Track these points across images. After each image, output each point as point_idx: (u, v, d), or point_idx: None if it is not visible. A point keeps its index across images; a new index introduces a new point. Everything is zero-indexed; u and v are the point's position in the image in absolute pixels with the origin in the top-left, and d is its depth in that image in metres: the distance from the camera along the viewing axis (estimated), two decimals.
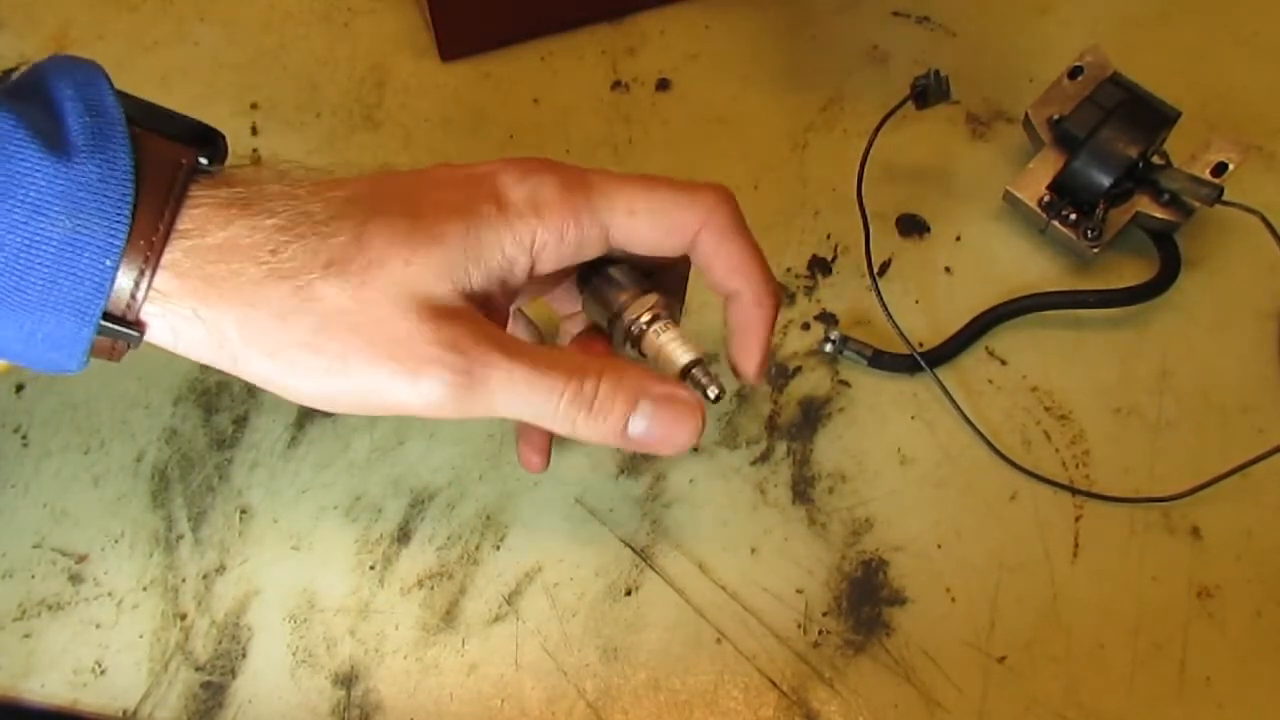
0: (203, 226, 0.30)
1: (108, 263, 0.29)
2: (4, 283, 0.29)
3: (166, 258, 0.30)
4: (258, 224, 0.31)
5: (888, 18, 0.54)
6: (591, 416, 0.33)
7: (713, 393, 0.34)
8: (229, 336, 0.31)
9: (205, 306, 0.31)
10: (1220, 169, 0.45)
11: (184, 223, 0.30)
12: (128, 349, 0.31)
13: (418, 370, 0.31)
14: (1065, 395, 0.45)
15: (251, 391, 0.46)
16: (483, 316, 0.33)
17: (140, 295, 0.30)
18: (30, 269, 0.29)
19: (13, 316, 0.29)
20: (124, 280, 0.29)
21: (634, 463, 0.44)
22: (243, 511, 0.43)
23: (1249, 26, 0.53)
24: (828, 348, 0.45)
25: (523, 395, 0.32)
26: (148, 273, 0.30)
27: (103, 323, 0.30)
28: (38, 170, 0.28)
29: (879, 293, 0.45)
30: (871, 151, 0.45)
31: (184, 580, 0.42)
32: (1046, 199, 0.46)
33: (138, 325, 0.30)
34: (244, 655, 0.41)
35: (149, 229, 0.30)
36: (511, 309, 0.39)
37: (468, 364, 0.32)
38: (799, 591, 0.41)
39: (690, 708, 0.40)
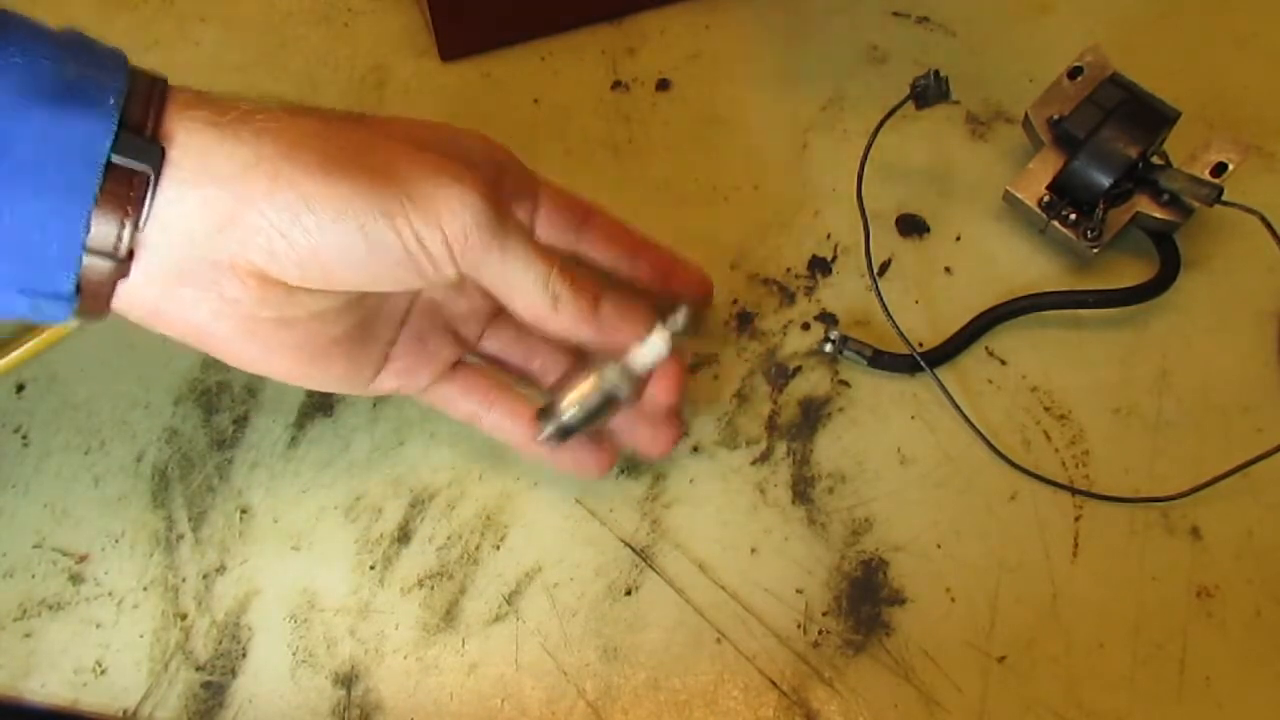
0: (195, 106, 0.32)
1: (116, 90, 0.30)
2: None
3: (173, 97, 0.31)
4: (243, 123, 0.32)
5: (888, 18, 0.54)
6: (574, 292, 0.36)
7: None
8: (264, 154, 0.31)
9: (231, 129, 0.31)
10: (1220, 169, 0.45)
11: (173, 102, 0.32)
12: (139, 221, 0.31)
13: (460, 176, 0.33)
14: (1065, 395, 0.45)
15: (252, 391, 0.46)
16: None
17: (153, 111, 0.31)
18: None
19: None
20: (134, 106, 0.30)
21: (634, 463, 0.44)
22: (243, 511, 0.43)
23: (1249, 26, 0.53)
24: (828, 348, 0.45)
25: (527, 256, 0.35)
26: (155, 97, 0.31)
27: (122, 134, 0.30)
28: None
29: (879, 293, 0.45)
30: (871, 151, 0.45)
31: (184, 580, 0.42)
32: (1046, 199, 0.46)
33: (156, 143, 0.30)
34: (244, 655, 0.41)
35: (146, 84, 0.31)
36: None
37: (502, 201, 0.35)
38: (799, 591, 0.42)
39: (690, 708, 0.40)
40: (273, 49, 0.55)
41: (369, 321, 0.38)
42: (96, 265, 0.31)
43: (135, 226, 0.31)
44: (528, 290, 0.36)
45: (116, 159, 0.30)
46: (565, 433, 0.40)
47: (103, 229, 0.30)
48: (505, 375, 0.43)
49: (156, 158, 0.30)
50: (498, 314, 0.43)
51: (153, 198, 0.31)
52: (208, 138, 0.31)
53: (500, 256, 0.35)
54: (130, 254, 0.31)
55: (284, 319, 0.34)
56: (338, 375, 0.38)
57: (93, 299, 0.32)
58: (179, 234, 0.32)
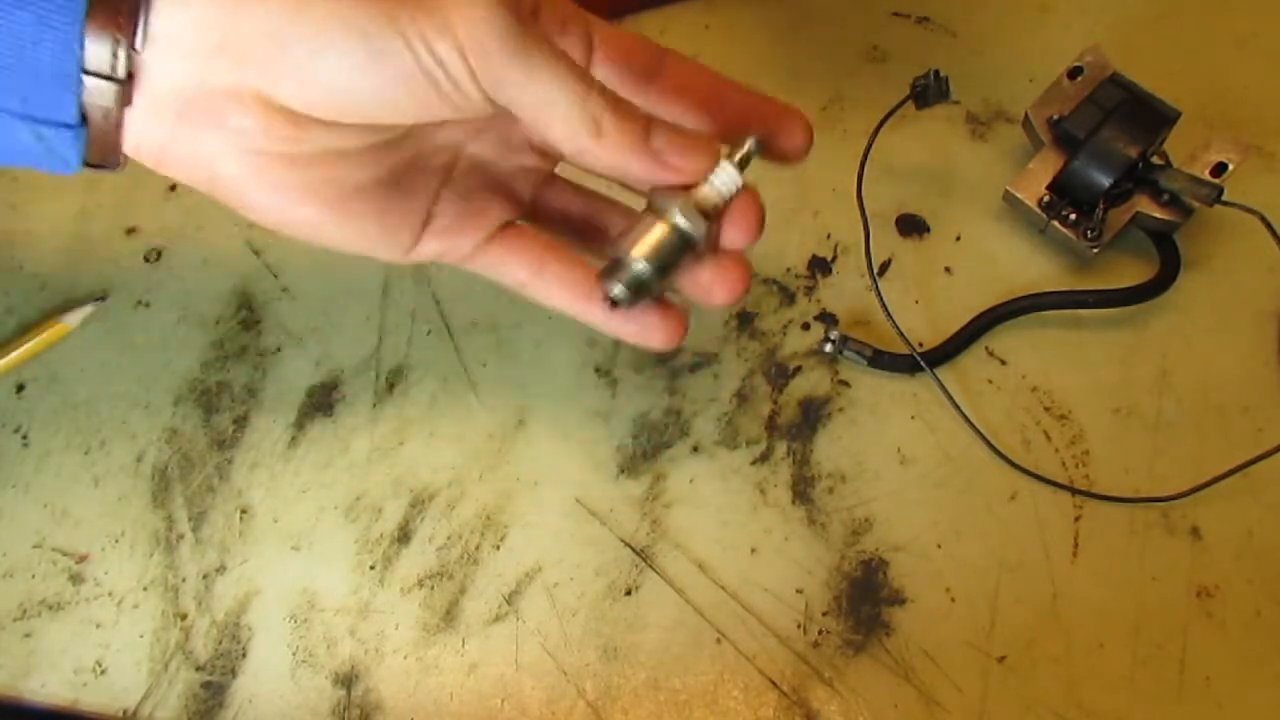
0: None
1: None
2: None
3: None
4: None
5: (888, 18, 0.54)
6: (617, 117, 0.32)
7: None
8: None
9: None
10: (1220, 169, 0.45)
11: None
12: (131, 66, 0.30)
13: None
14: (1065, 395, 0.45)
15: (252, 391, 0.46)
16: None
17: None
18: None
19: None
20: None
21: (634, 463, 0.44)
22: (243, 511, 0.43)
23: (1249, 26, 0.53)
24: (828, 348, 0.45)
25: (558, 71, 0.31)
26: None
27: None
28: None
29: (879, 293, 0.45)
30: (871, 151, 0.45)
31: (184, 580, 0.42)
32: (1046, 199, 0.46)
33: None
34: (244, 655, 0.41)
35: None
36: None
37: (524, 10, 0.31)
38: (799, 591, 0.42)
39: (690, 708, 0.40)
40: None
41: (404, 172, 0.35)
42: (97, 87, 0.30)
43: (130, 44, 0.29)
44: (563, 111, 0.31)
45: None
46: (638, 289, 0.34)
47: (97, 46, 0.29)
48: (561, 238, 0.38)
49: None
50: (552, 178, 0.39)
51: (147, 13, 0.29)
52: None
53: (526, 71, 0.30)
54: (130, 76, 0.30)
55: (296, 156, 0.32)
56: (371, 233, 0.34)
57: (100, 133, 0.31)
58: (176, 57, 0.30)
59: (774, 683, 0.40)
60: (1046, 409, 0.45)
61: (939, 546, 0.42)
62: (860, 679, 0.40)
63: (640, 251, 0.33)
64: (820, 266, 0.48)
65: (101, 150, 0.31)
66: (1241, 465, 0.41)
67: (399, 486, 0.44)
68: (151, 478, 0.44)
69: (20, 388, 0.46)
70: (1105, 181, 0.45)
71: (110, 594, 0.42)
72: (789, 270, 0.48)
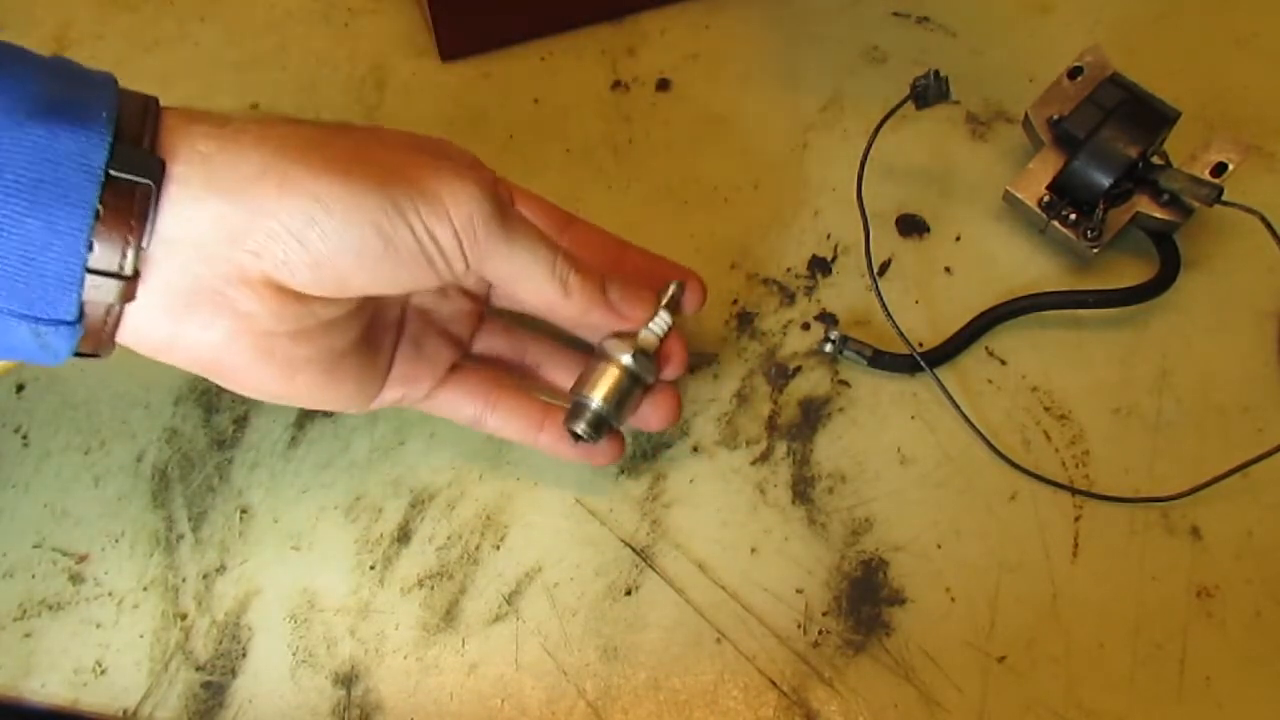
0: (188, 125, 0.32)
1: (105, 114, 0.30)
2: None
3: (168, 113, 0.32)
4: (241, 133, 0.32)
5: (888, 18, 0.54)
6: (581, 277, 0.37)
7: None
8: (269, 161, 0.31)
9: (231, 139, 0.31)
10: (1220, 169, 0.45)
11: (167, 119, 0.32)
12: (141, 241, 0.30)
13: (461, 173, 0.34)
14: (1065, 395, 0.45)
15: None
16: None
17: (149, 125, 0.31)
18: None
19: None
20: (129, 116, 0.30)
21: (634, 463, 0.44)
22: (243, 511, 0.43)
23: (1249, 26, 0.53)
24: (828, 348, 0.45)
25: (534, 242, 0.36)
26: (150, 113, 0.31)
27: (119, 147, 0.30)
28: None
29: (879, 293, 0.45)
30: (871, 151, 0.45)
31: (184, 580, 0.42)
32: (1046, 199, 0.46)
33: (155, 155, 0.30)
34: (244, 655, 0.41)
35: (139, 101, 0.31)
36: None
37: (502, 195, 0.35)
38: (799, 591, 0.42)
39: (690, 708, 0.40)
40: (273, 49, 0.55)
41: (372, 331, 0.38)
42: (101, 286, 0.30)
43: (140, 243, 0.30)
44: (537, 277, 0.36)
45: (115, 172, 0.29)
46: (598, 426, 0.40)
47: (105, 247, 0.30)
48: (503, 373, 0.43)
49: (156, 170, 0.30)
50: (483, 316, 0.43)
51: (156, 212, 0.30)
52: (209, 149, 0.31)
53: (508, 246, 0.35)
54: (136, 274, 0.31)
55: (298, 331, 0.34)
56: (350, 391, 0.38)
57: (98, 327, 0.31)
58: (188, 250, 0.31)
59: (774, 683, 0.40)
60: (1046, 409, 0.45)
61: (939, 546, 0.42)
62: (860, 679, 0.40)
63: (600, 394, 0.39)
64: (820, 266, 0.48)
65: (95, 342, 0.32)
66: (1241, 465, 0.41)
67: (399, 486, 0.44)
68: (151, 478, 0.44)
69: (20, 388, 0.46)
70: (1105, 181, 0.45)
71: (110, 594, 0.42)
72: (789, 270, 0.48)
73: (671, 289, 0.41)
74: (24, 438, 0.45)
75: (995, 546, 0.42)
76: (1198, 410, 0.44)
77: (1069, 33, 0.53)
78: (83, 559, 0.43)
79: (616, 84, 0.53)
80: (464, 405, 0.41)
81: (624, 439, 0.42)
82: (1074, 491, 0.43)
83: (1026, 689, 0.40)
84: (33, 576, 0.42)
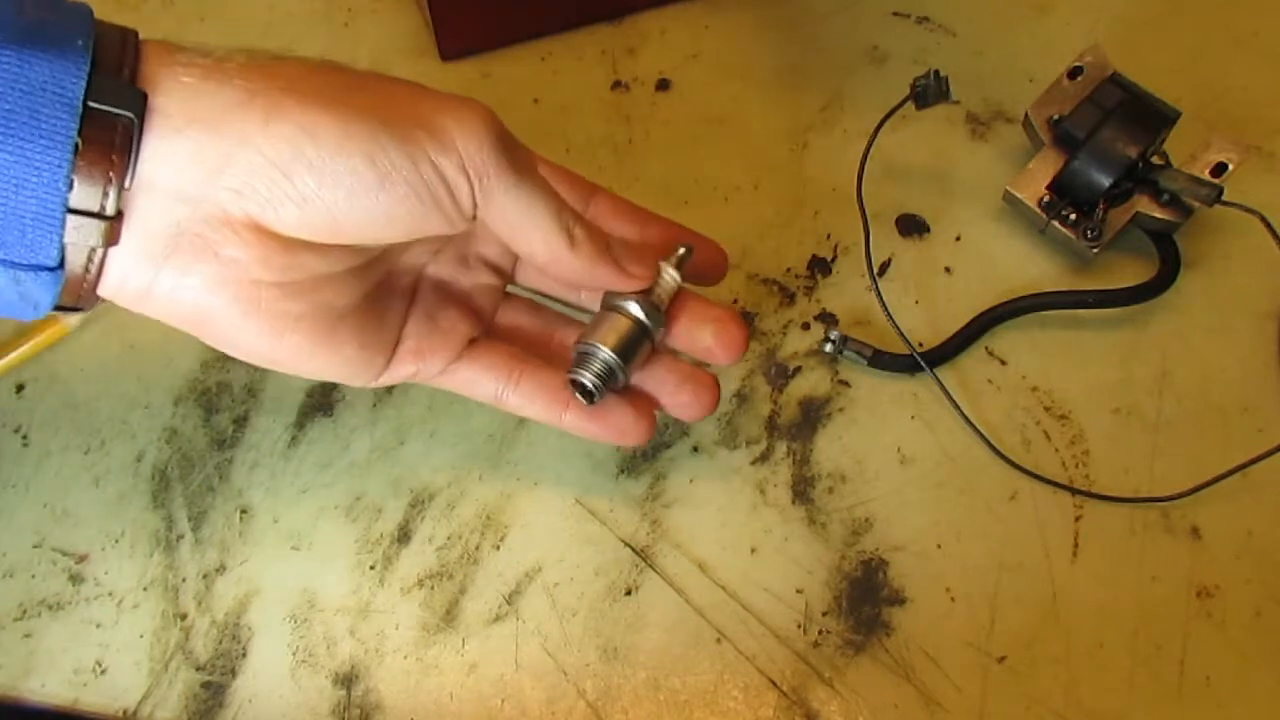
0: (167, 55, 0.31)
1: (80, 43, 0.28)
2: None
3: (149, 45, 0.30)
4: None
5: (888, 18, 0.54)
6: (587, 230, 0.35)
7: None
8: (256, 89, 0.29)
9: (216, 70, 0.29)
10: (1220, 169, 0.45)
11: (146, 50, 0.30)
12: (126, 174, 0.28)
13: (469, 104, 0.31)
14: (1065, 395, 0.45)
15: (252, 391, 0.46)
16: None
17: (128, 56, 0.29)
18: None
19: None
20: (109, 47, 0.29)
21: (634, 463, 0.44)
22: (243, 511, 0.43)
23: (1249, 26, 0.53)
24: (828, 348, 0.45)
25: (543, 188, 0.34)
26: (129, 44, 0.29)
27: (97, 77, 0.27)
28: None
29: (879, 293, 0.45)
30: (871, 151, 0.45)
31: (184, 580, 0.42)
32: (1046, 199, 0.46)
33: (135, 85, 0.28)
34: (244, 655, 0.41)
35: (117, 32, 0.30)
36: None
37: (512, 135, 0.33)
38: (799, 591, 0.42)
39: (690, 708, 0.40)
40: (273, 49, 0.54)
41: (378, 295, 0.36)
42: (82, 227, 0.28)
43: (123, 181, 0.28)
44: (544, 226, 0.34)
45: (94, 104, 0.27)
46: (605, 376, 0.38)
47: (86, 185, 0.27)
48: (527, 350, 0.40)
49: (139, 102, 0.28)
50: (506, 293, 0.41)
51: (139, 147, 0.28)
52: (193, 77, 0.29)
53: (517, 188, 0.32)
54: (119, 214, 0.28)
55: (287, 284, 0.32)
56: (349, 358, 0.35)
57: (79, 275, 0.29)
58: (170, 190, 0.29)
59: (774, 683, 0.40)
60: (1046, 409, 0.45)
61: (939, 546, 0.42)
62: (860, 679, 0.40)
63: (606, 341, 0.37)
64: (820, 266, 0.48)
65: (77, 293, 0.30)
66: (1241, 465, 0.41)
67: (399, 486, 0.44)
68: (151, 478, 0.44)
69: (20, 388, 0.46)
70: (1105, 181, 0.45)
71: (110, 594, 0.42)
72: (789, 270, 0.48)
73: (680, 250, 0.39)
74: (24, 438, 0.45)
75: (995, 546, 0.42)
76: (1198, 410, 0.44)
77: (1069, 33, 0.53)
78: (83, 559, 0.43)
79: (616, 84, 0.53)
80: (483, 381, 0.38)
81: (655, 419, 0.40)
82: (1074, 491, 0.43)
83: (1026, 689, 0.40)
84: (33, 576, 0.42)
